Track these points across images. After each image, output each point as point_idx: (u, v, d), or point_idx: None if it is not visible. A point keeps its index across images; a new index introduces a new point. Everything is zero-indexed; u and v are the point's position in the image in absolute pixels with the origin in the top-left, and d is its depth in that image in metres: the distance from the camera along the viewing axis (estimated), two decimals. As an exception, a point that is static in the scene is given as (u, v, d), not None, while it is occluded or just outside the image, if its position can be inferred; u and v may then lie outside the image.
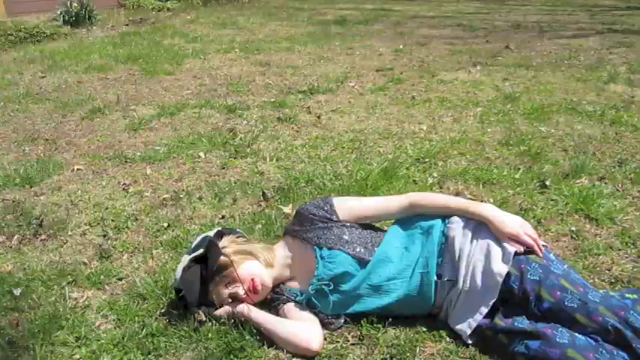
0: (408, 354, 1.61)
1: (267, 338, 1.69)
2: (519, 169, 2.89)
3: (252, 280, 1.74)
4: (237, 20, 8.53)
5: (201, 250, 1.76)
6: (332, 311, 1.72)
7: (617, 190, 2.64)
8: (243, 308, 1.73)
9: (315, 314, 1.73)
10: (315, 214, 1.81)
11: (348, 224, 1.81)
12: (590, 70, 5.03)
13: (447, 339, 1.67)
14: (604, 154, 3.08)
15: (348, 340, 1.69)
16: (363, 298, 1.73)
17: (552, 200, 2.54)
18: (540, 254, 1.61)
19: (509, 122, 3.65)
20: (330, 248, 1.74)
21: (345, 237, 1.77)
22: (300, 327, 1.67)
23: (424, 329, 1.70)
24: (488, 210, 1.70)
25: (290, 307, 1.76)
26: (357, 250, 1.74)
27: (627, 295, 1.65)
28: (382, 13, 9.46)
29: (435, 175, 2.84)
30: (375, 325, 1.72)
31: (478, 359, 1.59)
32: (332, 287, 1.70)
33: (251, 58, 5.83)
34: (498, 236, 1.65)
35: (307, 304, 1.74)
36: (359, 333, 1.71)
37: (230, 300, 1.77)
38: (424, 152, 3.12)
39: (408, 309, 1.74)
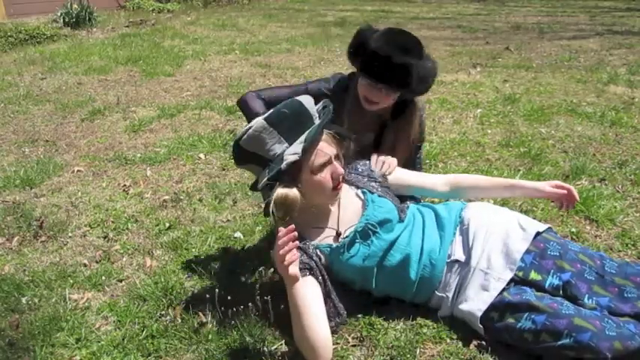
0: (409, 355, 1.60)
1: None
2: (519, 170, 2.89)
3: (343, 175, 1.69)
4: (238, 22, 8.54)
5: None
6: (362, 264, 1.66)
7: (618, 191, 2.64)
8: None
9: (326, 303, 1.61)
10: (364, 168, 1.89)
11: (389, 189, 1.87)
12: (590, 72, 5.04)
13: (448, 340, 1.66)
14: (604, 156, 3.08)
15: (349, 342, 1.69)
16: (386, 259, 1.68)
17: (552, 202, 2.53)
18: (577, 197, 1.85)
19: (510, 124, 3.65)
20: (380, 196, 1.78)
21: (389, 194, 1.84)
22: (323, 337, 1.52)
23: (424, 331, 1.70)
24: (524, 182, 1.97)
25: (308, 286, 1.57)
26: (399, 207, 1.79)
27: None
28: (382, 14, 9.47)
29: (435, 176, 2.84)
30: (375, 326, 1.72)
31: (479, 360, 1.59)
32: (377, 231, 1.69)
33: (251, 60, 5.83)
34: (544, 194, 1.88)
35: (347, 247, 1.66)
36: (359, 334, 1.70)
37: (331, 163, 1.63)
38: (424, 154, 3.12)
39: (414, 288, 1.72)
